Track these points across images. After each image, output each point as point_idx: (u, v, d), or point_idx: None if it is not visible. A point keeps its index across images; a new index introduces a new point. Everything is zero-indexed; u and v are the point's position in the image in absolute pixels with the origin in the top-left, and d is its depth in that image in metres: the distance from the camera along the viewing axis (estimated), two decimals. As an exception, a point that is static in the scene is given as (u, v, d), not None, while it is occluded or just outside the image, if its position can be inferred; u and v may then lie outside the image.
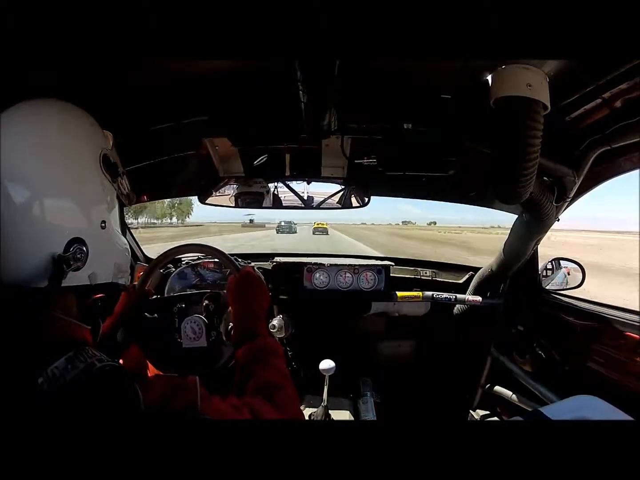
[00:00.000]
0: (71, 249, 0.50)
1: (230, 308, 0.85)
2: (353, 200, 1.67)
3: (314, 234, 32.17)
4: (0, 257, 0.44)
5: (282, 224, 35.24)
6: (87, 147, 0.56)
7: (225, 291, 0.91)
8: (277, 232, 33.77)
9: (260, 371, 0.64)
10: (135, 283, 1.00)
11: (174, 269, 1.67)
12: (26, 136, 0.49)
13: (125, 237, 0.67)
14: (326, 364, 1.27)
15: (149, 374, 1.00)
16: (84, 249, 0.52)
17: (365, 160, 1.28)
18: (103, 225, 0.56)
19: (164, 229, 43.15)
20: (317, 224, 35.23)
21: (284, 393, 0.61)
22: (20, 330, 0.46)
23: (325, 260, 1.75)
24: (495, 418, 1.73)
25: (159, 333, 1.02)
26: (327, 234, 33.25)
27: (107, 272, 0.58)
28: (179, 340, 1.03)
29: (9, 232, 0.45)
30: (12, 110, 0.50)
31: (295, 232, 34.33)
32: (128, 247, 0.66)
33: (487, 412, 1.77)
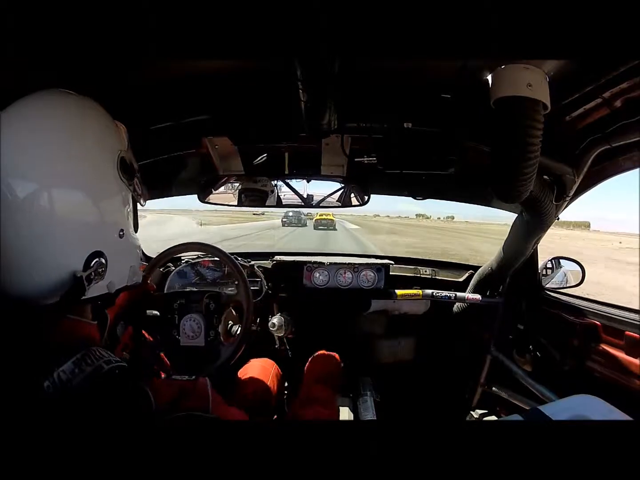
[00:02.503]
0: (92, 264, 0.47)
1: (229, 308, 0.85)
2: (353, 198, 1.67)
3: (315, 228, 25.40)
4: (11, 272, 0.43)
5: (290, 214, 27.64)
6: (105, 152, 0.52)
7: (225, 291, 0.91)
8: (284, 225, 27.53)
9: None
10: None
11: (173, 268, 1.67)
12: (39, 136, 0.46)
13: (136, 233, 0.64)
14: (326, 363, 1.27)
15: None
16: (104, 261, 0.49)
17: (365, 159, 1.27)
18: (121, 233, 0.54)
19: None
20: (320, 215, 26.11)
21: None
22: (24, 330, 0.45)
23: (325, 259, 1.75)
24: (495, 417, 1.73)
25: (158, 329, 1.02)
26: (335, 229, 25.82)
27: (123, 277, 0.56)
28: (177, 337, 1.03)
29: (19, 247, 0.43)
30: (17, 107, 0.47)
31: (306, 225, 27.51)
32: (140, 244, 0.64)
33: (487, 411, 1.77)
